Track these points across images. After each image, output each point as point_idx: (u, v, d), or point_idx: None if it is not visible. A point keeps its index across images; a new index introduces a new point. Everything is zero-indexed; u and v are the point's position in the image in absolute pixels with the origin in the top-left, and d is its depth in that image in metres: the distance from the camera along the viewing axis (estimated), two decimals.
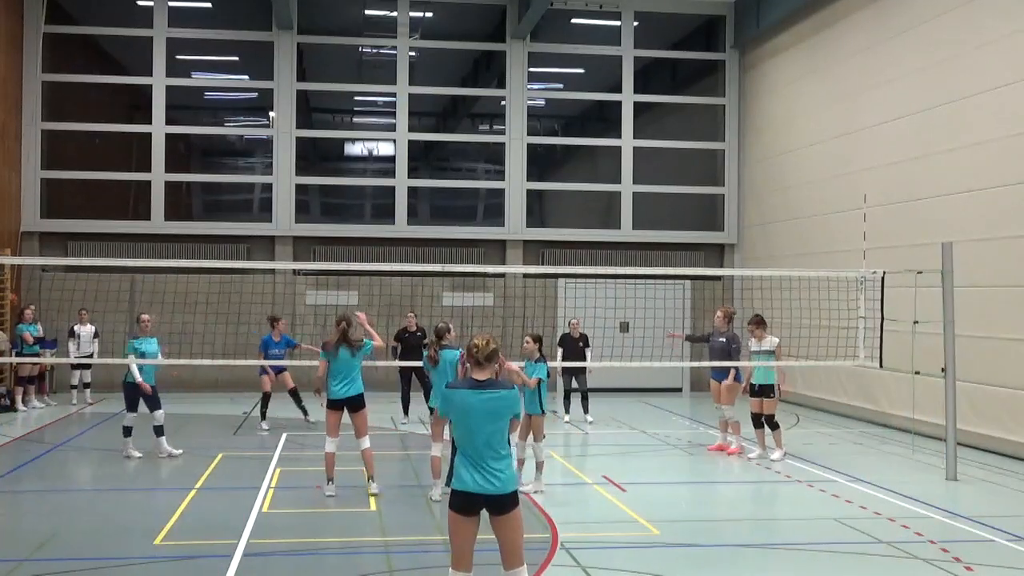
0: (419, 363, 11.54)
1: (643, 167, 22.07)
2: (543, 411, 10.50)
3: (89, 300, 16.69)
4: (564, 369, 16.16)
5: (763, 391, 12.65)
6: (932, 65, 14.95)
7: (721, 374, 13.39)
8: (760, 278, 18.19)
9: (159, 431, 12.41)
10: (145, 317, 12.54)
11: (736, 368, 13.29)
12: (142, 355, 12.16)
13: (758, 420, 12.81)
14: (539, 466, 10.54)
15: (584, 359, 15.84)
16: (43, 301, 17.87)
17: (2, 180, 19.15)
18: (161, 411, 12.42)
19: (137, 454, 12.34)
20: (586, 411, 16.11)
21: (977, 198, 13.80)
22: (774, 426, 12.75)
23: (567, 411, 16.44)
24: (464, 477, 5.67)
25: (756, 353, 12.73)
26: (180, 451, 12.55)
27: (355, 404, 10.17)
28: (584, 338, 16.17)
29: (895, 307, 12.88)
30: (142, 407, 12.30)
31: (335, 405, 10.18)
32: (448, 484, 14.44)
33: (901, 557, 8.14)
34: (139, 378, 12.08)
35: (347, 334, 10.09)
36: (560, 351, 16.06)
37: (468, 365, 5.88)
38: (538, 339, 10.66)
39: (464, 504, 5.64)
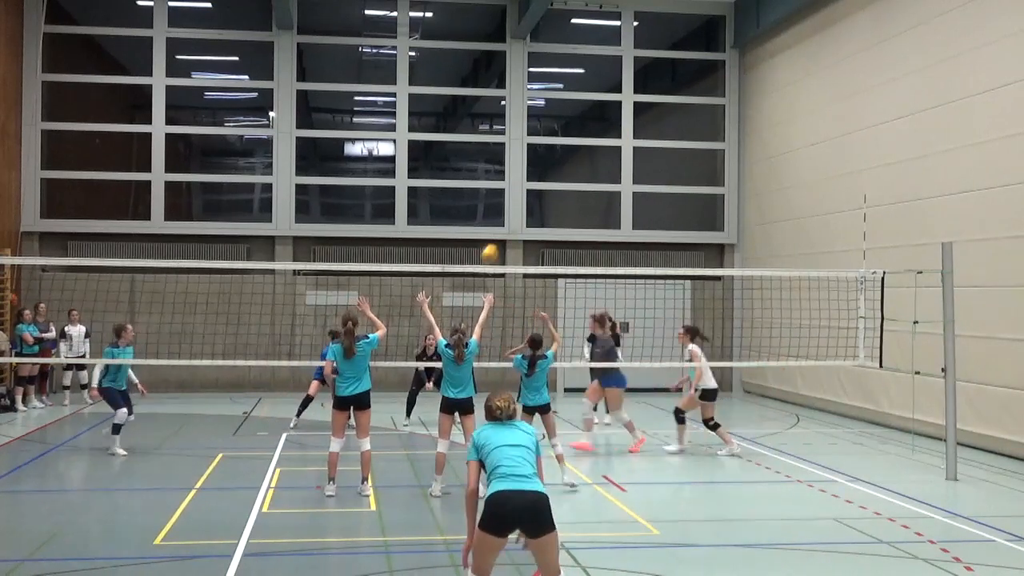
0: (438, 364, 11.66)
1: (643, 167, 22.07)
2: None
3: (89, 300, 16.68)
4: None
5: (706, 395, 12.98)
6: (932, 65, 14.95)
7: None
8: (760, 278, 18.20)
9: (116, 429, 12.57)
10: (129, 327, 12.73)
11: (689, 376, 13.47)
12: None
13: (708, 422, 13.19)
14: (559, 458, 10.85)
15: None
16: (43, 301, 17.86)
17: (2, 180, 19.14)
18: (124, 411, 12.55)
19: (122, 452, 12.44)
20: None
21: (977, 198, 13.80)
22: (714, 427, 13.15)
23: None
24: (499, 486, 5.87)
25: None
26: (124, 453, 12.54)
27: (361, 403, 10.16)
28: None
29: (895, 307, 12.89)
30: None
31: (342, 404, 10.19)
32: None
33: (901, 557, 8.14)
34: (94, 383, 12.62)
35: (352, 333, 10.08)
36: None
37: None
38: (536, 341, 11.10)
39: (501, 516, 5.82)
